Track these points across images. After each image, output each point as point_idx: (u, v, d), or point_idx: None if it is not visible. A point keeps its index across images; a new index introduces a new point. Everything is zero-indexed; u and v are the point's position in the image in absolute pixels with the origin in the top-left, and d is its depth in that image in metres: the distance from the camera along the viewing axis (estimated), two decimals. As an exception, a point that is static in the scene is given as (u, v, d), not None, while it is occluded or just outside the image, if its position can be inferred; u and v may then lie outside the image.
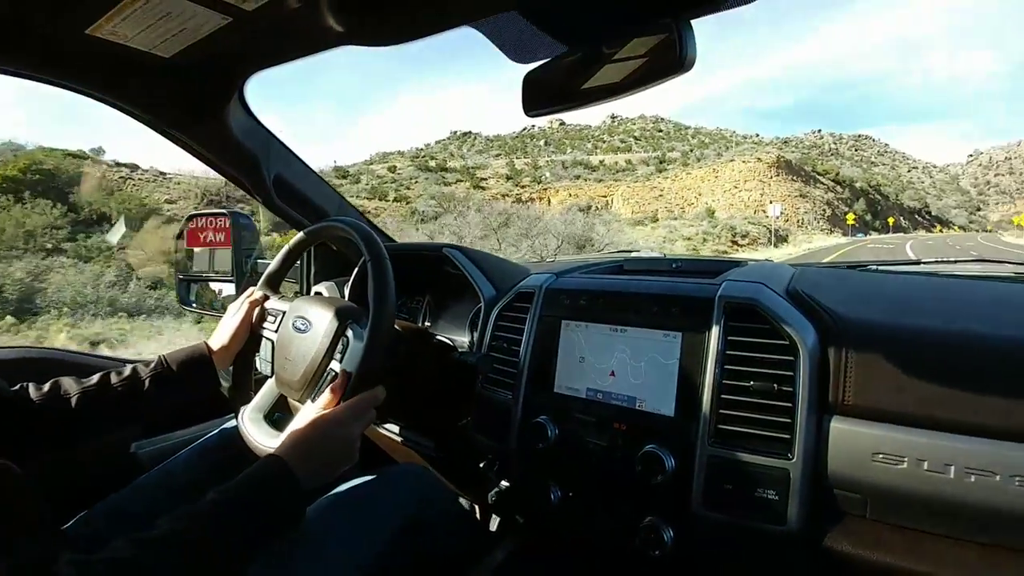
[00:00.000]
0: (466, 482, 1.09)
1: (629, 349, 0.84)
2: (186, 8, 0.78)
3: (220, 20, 0.82)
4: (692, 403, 0.76)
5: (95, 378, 0.84)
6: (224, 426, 0.99)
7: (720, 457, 0.73)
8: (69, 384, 0.82)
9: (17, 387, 0.80)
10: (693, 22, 0.74)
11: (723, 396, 0.74)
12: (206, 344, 0.94)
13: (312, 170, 1.23)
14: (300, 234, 0.99)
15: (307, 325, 0.90)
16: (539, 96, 0.92)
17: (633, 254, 1.38)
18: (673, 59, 0.74)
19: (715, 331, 0.77)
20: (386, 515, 0.79)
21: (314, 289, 1.27)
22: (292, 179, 1.19)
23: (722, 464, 0.73)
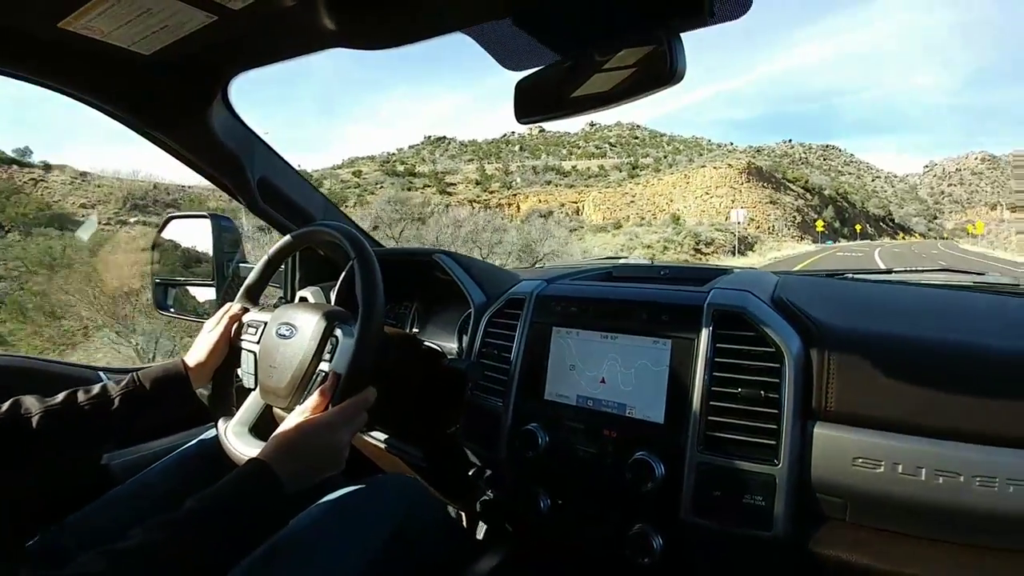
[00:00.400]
0: (454, 490, 1.08)
1: (619, 356, 0.85)
2: (167, 4, 0.76)
3: (204, 18, 0.80)
4: (681, 410, 0.77)
5: (60, 396, 0.79)
6: (203, 436, 0.96)
7: (709, 464, 0.74)
8: (31, 403, 0.78)
9: None
10: (683, 35, 0.76)
11: (712, 403, 0.75)
12: (183, 361, 0.90)
13: (298, 173, 1.21)
14: (284, 239, 0.97)
15: (292, 330, 0.88)
16: (531, 104, 0.93)
17: (621, 260, 1.38)
18: (664, 71, 0.75)
19: (704, 338, 0.78)
20: (374, 525, 0.77)
21: (299, 294, 1.24)
22: (277, 182, 1.16)
23: (711, 471, 0.73)
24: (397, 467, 1.10)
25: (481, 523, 1.15)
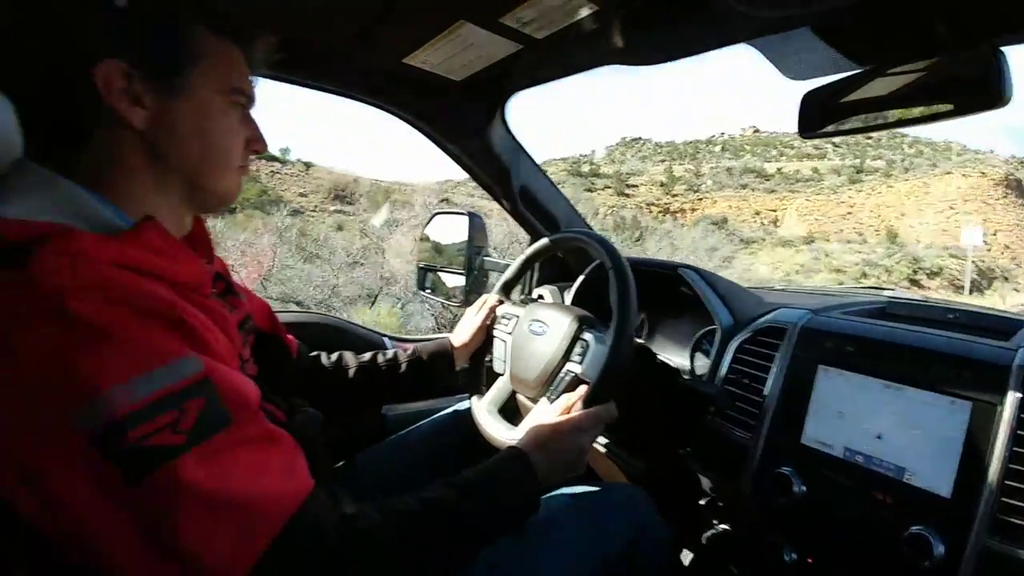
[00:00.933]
0: (674, 513, 1.07)
1: (903, 411, 0.74)
2: (488, 39, 0.88)
3: (512, 47, 0.91)
4: (974, 485, 0.66)
5: (367, 356, 1.00)
6: (456, 407, 1.10)
7: (993, 551, 0.63)
8: (350, 358, 0.99)
9: (315, 354, 0.98)
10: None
11: (1007, 482, 0.64)
12: (449, 340, 1.05)
13: (551, 182, 1.31)
14: (542, 241, 1.05)
15: (544, 328, 0.94)
16: (818, 117, 0.88)
17: (886, 292, 1.22)
18: (986, 90, 0.65)
19: (1009, 404, 0.66)
20: (600, 534, 0.78)
21: (536, 291, 1.34)
22: (534, 190, 1.27)
23: (994, 558, 0.63)
24: (614, 473, 1.13)
25: (686, 551, 1.12)
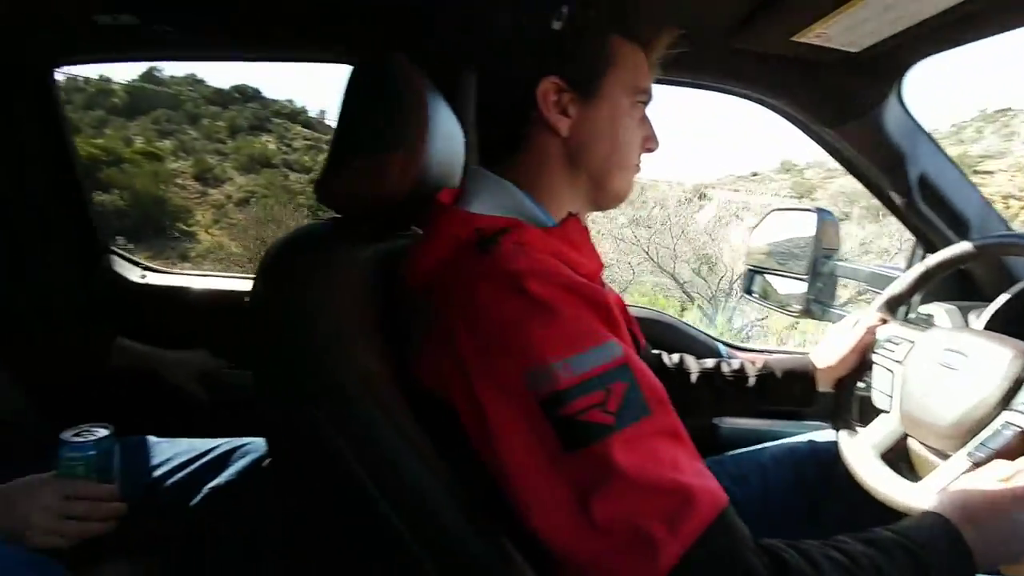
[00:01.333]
0: None
1: None
2: None
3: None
4: None
5: (710, 363, 0.94)
6: (814, 436, 0.96)
7: None
8: (691, 362, 0.95)
9: (656, 352, 0.97)
10: None
11: None
12: (811, 360, 0.91)
13: (961, 172, 1.03)
14: (961, 247, 0.82)
15: (961, 360, 0.74)
16: None
17: None
18: None
19: None
20: None
21: (921, 309, 1.08)
22: (937, 181, 1.01)
23: None
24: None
25: None
